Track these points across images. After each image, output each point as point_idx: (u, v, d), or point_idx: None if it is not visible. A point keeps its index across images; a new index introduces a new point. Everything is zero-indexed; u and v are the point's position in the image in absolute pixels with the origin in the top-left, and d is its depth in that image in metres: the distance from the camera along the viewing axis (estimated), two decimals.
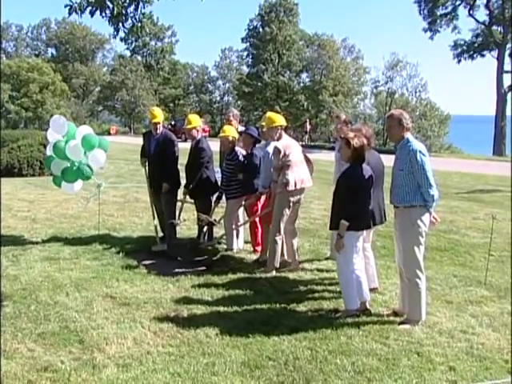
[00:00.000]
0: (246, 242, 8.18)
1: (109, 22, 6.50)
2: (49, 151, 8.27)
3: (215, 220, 7.86)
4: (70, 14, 6.44)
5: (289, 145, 6.88)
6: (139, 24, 6.90)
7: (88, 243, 8.09)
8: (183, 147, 8.45)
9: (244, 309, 5.62)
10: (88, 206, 10.02)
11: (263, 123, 7.27)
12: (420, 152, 5.16)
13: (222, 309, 5.60)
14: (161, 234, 8.31)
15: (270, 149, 6.99)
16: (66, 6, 6.15)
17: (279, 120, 6.99)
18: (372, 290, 6.00)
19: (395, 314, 5.53)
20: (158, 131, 8.18)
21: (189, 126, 7.94)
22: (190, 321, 5.27)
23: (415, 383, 4.17)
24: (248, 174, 7.47)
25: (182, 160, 8.16)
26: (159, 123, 8.16)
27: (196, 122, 8.04)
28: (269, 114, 7.36)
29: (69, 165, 8.01)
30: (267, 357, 4.54)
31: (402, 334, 5.04)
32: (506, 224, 10.07)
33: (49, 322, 5.15)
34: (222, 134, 7.87)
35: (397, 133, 5.38)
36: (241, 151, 7.76)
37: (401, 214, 5.35)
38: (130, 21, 6.73)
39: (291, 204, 6.85)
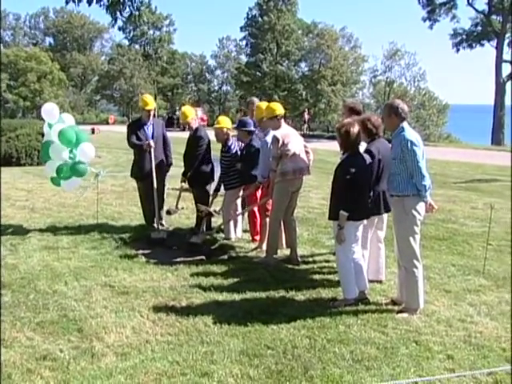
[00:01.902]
0: (244, 231, 8.19)
1: (106, 10, 6.47)
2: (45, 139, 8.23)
3: (215, 210, 7.85)
4: (67, 2, 6.41)
5: (288, 134, 6.84)
6: (137, 12, 6.87)
7: (86, 232, 8.09)
8: (182, 136, 8.46)
9: (242, 297, 5.63)
10: (86, 195, 9.99)
11: (263, 114, 7.19)
12: (411, 142, 5.13)
13: (220, 298, 5.60)
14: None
15: (269, 138, 6.96)
16: None
17: (279, 109, 6.95)
18: (377, 281, 6.02)
19: (393, 302, 5.54)
20: (151, 118, 8.35)
21: (187, 119, 8.05)
22: (188, 309, 5.28)
23: (413, 372, 4.18)
24: (246, 164, 7.44)
25: (180, 149, 8.14)
26: (152, 110, 8.32)
27: (191, 113, 8.14)
28: (266, 103, 7.32)
29: (61, 162, 7.92)
30: (266, 345, 4.55)
31: (400, 323, 5.05)
32: (504, 213, 10.08)
33: (47, 311, 5.16)
34: (216, 126, 7.78)
35: (392, 122, 5.36)
36: (236, 143, 7.77)
37: (395, 204, 5.35)
38: (127, 9, 6.70)
39: (290, 193, 6.84)
